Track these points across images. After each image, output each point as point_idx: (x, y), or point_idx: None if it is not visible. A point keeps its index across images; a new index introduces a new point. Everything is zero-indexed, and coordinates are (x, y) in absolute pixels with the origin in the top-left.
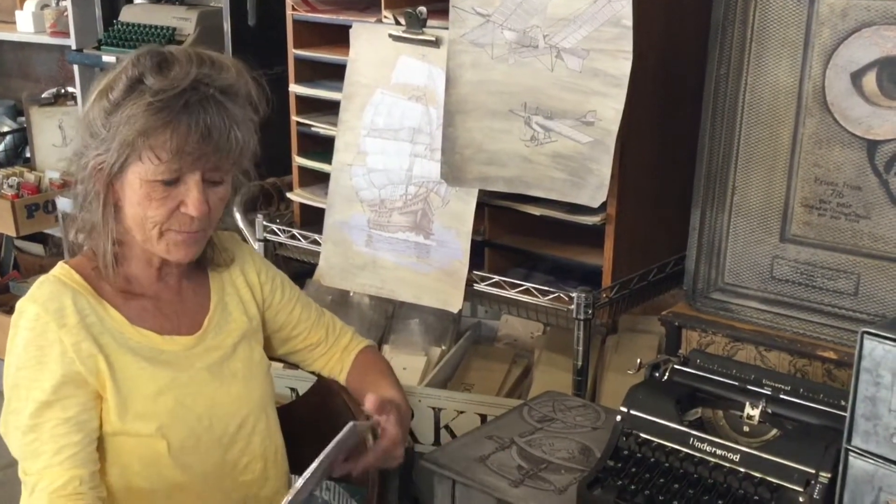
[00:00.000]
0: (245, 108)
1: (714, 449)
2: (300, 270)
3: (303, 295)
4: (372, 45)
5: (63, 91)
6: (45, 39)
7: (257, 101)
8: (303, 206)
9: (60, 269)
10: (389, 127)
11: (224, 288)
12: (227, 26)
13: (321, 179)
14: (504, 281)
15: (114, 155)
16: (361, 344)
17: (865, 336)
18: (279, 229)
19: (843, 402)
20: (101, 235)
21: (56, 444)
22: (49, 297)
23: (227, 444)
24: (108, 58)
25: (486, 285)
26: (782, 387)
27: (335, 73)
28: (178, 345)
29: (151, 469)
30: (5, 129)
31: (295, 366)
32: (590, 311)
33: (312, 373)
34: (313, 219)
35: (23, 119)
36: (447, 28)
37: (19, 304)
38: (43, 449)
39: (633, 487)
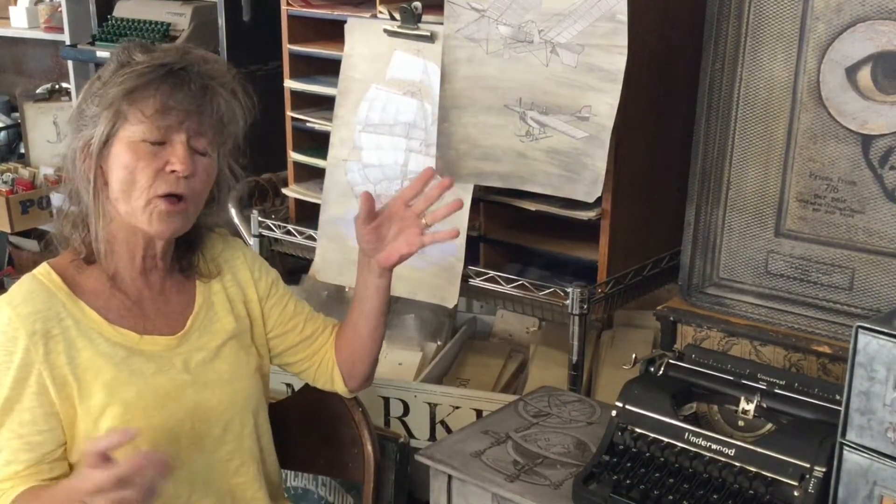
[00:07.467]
0: (230, 94)
1: (709, 444)
2: (295, 266)
3: (287, 290)
4: (367, 40)
5: (57, 87)
6: (39, 35)
7: (244, 99)
8: (298, 201)
9: (41, 268)
10: (384, 122)
11: (211, 287)
12: (221, 21)
13: (316, 175)
14: (499, 276)
15: (101, 125)
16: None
17: (860, 331)
18: (274, 225)
19: (837, 397)
20: (93, 219)
21: (4, 456)
22: (24, 299)
23: (214, 446)
24: (102, 53)
25: (482, 281)
26: (777, 381)
27: (330, 69)
28: (158, 345)
29: None
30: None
31: None
32: (585, 307)
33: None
34: (308, 214)
35: (17, 115)
36: (442, 23)
37: None
38: None
39: (628, 482)
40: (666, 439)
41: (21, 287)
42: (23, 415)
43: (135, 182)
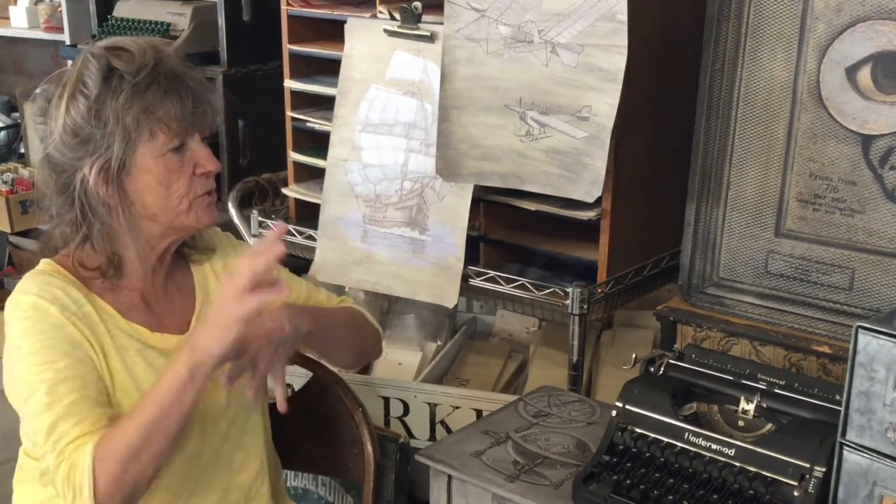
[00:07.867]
0: (207, 86)
1: (709, 444)
2: (295, 266)
3: (294, 277)
4: (367, 40)
5: None
6: (39, 35)
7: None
8: (298, 201)
9: (45, 265)
10: (384, 122)
11: (207, 284)
12: (221, 21)
13: (316, 175)
14: (499, 276)
15: (119, 146)
16: (347, 302)
17: (860, 331)
18: (274, 224)
19: (837, 397)
20: (126, 240)
21: (76, 416)
22: (41, 288)
23: (219, 440)
24: None
25: (482, 280)
26: (777, 381)
27: (330, 69)
28: (168, 342)
29: None
30: None
31: (290, 362)
32: (585, 307)
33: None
34: (308, 214)
35: (17, 115)
36: (442, 23)
37: (10, 300)
38: (61, 424)
39: (628, 482)
40: (666, 439)
41: (32, 280)
42: (77, 380)
43: (171, 194)
